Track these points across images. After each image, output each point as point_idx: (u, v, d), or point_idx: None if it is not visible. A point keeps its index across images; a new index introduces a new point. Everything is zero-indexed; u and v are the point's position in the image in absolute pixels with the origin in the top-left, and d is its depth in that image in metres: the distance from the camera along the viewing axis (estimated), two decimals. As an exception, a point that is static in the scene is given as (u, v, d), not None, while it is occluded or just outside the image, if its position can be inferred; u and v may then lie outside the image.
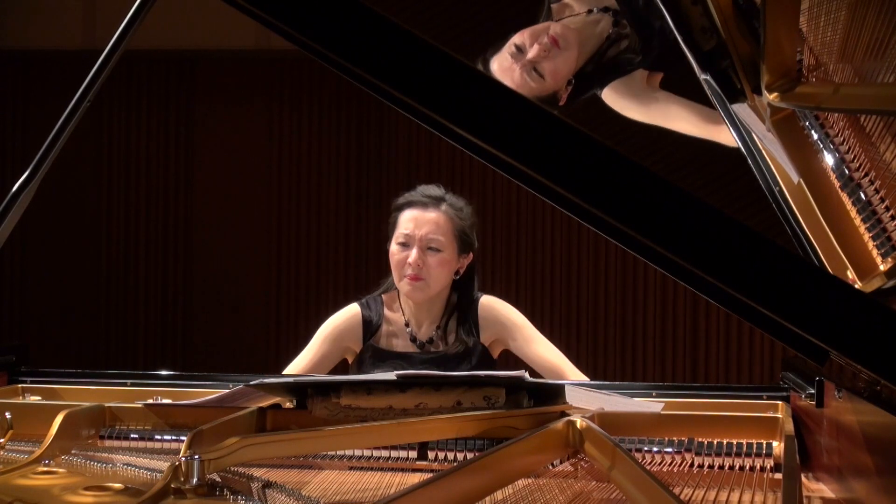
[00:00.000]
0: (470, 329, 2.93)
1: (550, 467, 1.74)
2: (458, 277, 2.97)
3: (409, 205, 2.96)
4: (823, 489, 1.78)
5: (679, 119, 2.56)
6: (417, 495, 1.32)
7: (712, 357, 5.89)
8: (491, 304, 2.98)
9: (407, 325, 2.96)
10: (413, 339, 2.95)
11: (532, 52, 2.61)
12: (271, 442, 1.70)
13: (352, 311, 2.98)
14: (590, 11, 2.68)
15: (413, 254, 2.89)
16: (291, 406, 2.04)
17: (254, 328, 6.19)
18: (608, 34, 2.66)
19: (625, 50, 2.65)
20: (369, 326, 2.96)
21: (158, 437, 1.96)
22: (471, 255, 2.99)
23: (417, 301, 2.94)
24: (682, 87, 2.55)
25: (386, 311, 2.98)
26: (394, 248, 2.94)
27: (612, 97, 2.67)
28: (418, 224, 2.91)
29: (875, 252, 1.57)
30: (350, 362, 3.00)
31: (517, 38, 2.65)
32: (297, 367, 2.94)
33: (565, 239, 5.98)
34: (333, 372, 3.00)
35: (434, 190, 2.99)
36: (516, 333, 2.94)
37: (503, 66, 2.66)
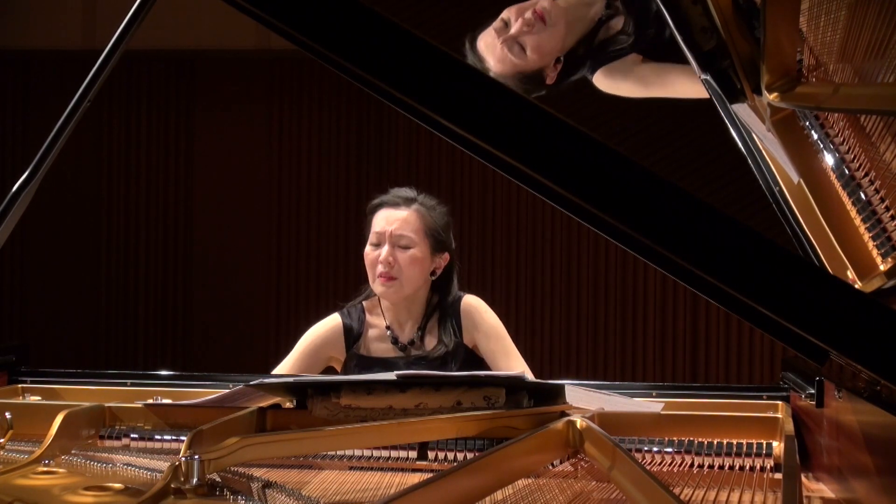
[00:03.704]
0: (450, 330, 2.92)
1: (550, 467, 1.74)
2: (434, 278, 2.96)
3: (381, 205, 2.96)
4: (823, 489, 1.78)
5: (678, 83, 2.54)
6: (417, 495, 1.32)
7: (712, 357, 5.89)
8: (473, 306, 2.96)
9: (389, 328, 2.96)
10: (395, 342, 2.94)
11: (515, 27, 2.59)
12: (271, 442, 1.70)
13: (332, 321, 2.98)
14: None
15: (384, 251, 2.88)
16: (291, 406, 2.04)
17: (254, 328, 6.19)
18: (600, 17, 2.65)
19: (617, 33, 2.63)
20: (350, 335, 2.95)
21: (158, 437, 1.95)
22: (447, 255, 2.97)
23: (392, 301, 2.93)
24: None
25: (367, 318, 2.98)
26: (367, 248, 2.94)
27: (606, 80, 2.65)
28: (389, 221, 2.92)
29: (875, 252, 1.57)
30: (339, 370, 3.00)
31: (504, 14, 2.63)
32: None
33: (565, 239, 5.98)
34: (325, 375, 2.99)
35: (406, 191, 2.99)
36: (493, 342, 2.92)
37: (487, 42, 2.63)
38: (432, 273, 2.96)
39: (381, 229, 2.92)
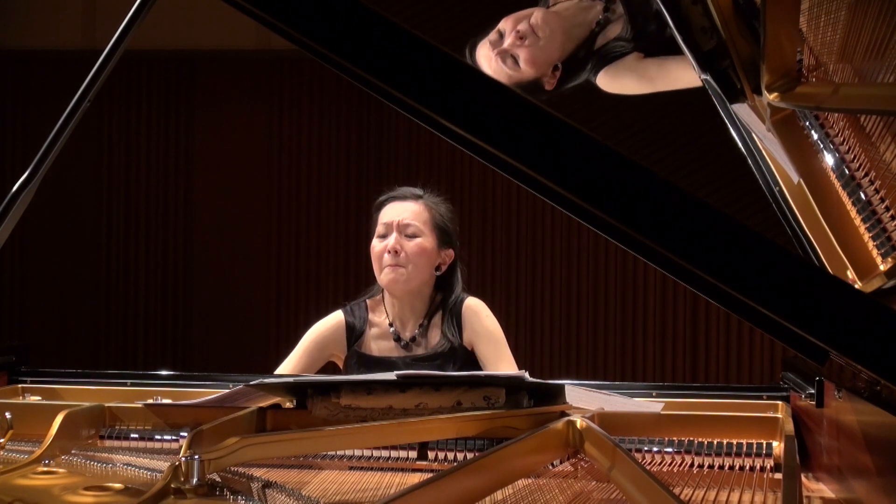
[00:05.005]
0: (454, 328, 2.93)
1: (550, 467, 1.74)
2: (439, 273, 2.97)
3: (389, 200, 3.01)
4: (823, 489, 1.78)
5: (681, 74, 2.54)
6: (417, 495, 1.32)
7: (712, 357, 5.89)
8: (474, 308, 2.96)
9: (391, 325, 2.96)
10: (398, 339, 2.95)
11: (508, 40, 2.61)
12: (271, 442, 1.70)
13: (335, 318, 2.99)
14: None
15: (391, 239, 2.91)
16: (291, 406, 2.04)
17: (254, 328, 6.19)
18: (598, 20, 2.65)
19: (616, 38, 2.64)
20: (353, 332, 2.96)
21: (158, 437, 1.96)
22: (451, 251, 2.99)
23: (398, 294, 2.94)
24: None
25: (370, 315, 2.98)
26: (374, 242, 2.96)
27: (609, 81, 2.65)
28: (397, 212, 2.95)
29: (875, 252, 1.57)
30: (340, 367, 3.00)
31: (501, 24, 2.65)
32: (281, 373, 2.93)
33: (565, 240, 5.98)
34: (325, 374, 3.00)
35: (413, 189, 3.04)
36: (488, 346, 2.92)
37: (483, 53, 2.67)
38: (437, 268, 2.96)
39: (388, 220, 2.95)
